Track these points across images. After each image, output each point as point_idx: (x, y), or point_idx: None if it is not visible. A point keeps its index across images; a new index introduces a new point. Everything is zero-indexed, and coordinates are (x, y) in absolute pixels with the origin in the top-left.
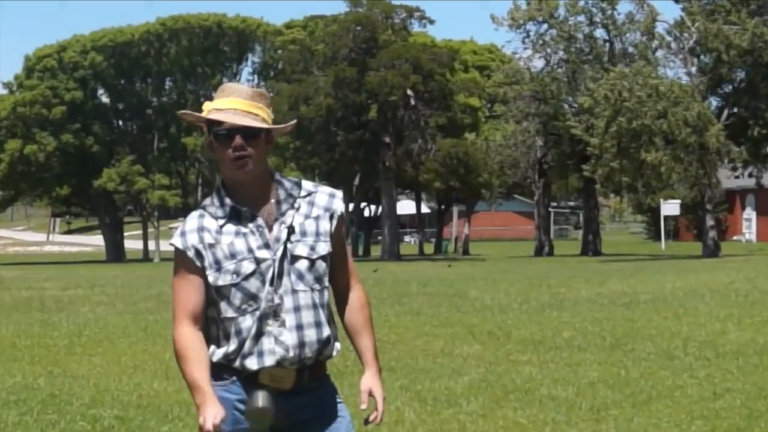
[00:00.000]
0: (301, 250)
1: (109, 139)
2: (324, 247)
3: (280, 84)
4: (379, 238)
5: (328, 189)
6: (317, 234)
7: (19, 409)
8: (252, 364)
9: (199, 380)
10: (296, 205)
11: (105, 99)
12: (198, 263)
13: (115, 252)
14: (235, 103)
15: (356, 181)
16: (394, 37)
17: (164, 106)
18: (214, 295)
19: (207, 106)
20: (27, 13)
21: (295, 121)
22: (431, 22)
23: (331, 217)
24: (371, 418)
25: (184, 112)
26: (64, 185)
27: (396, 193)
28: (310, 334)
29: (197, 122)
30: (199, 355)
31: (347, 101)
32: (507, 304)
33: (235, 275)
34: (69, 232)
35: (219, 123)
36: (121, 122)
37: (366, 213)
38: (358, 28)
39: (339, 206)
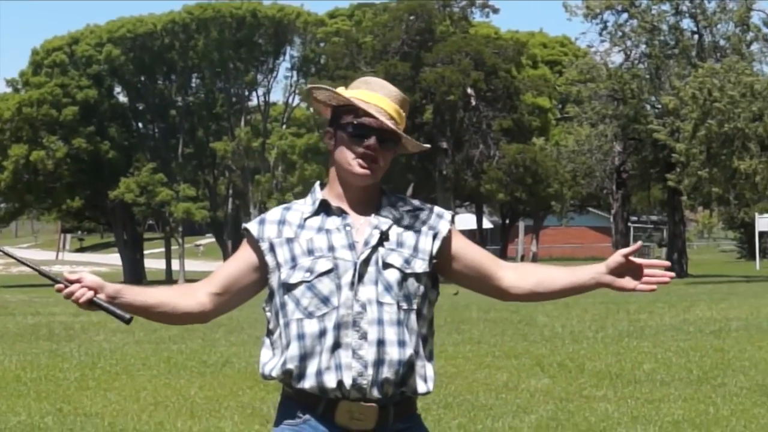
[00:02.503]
0: (394, 259)
1: (128, 143)
2: (421, 265)
3: (323, 81)
4: None
5: (437, 209)
6: (415, 249)
7: None
8: (330, 380)
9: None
10: (397, 215)
11: (123, 98)
12: (268, 258)
13: (134, 272)
14: (382, 102)
15: (409, 192)
16: (452, 28)
17: (190, 107)
18: (283, 297)
19: (345, 92)
20: (34, 1)
21: (429, 146)
22: (495, 11)
23: (435, 237)
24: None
25: (315, 86)
26: (75, 197)
27: (454, 206)
28: (392, 352)
29: (323, 105)
30: (164, 291)
31: None
32: (580, 332)
33: (308, 273)
34: (81, 249)
35: (355, 113)
36: (140, 125)
37: None
38: (412, 17)
39: (445, 227)
